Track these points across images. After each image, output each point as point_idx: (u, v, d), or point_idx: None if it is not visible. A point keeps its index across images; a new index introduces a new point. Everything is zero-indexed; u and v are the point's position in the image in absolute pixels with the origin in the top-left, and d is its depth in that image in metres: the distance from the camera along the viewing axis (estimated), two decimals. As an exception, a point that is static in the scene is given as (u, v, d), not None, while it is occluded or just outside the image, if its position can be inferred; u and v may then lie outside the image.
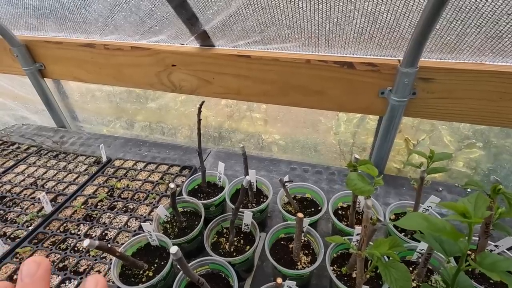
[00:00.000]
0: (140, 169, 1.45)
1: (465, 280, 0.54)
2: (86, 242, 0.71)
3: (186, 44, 1.51)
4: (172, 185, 0.87)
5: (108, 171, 1.45)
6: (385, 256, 0.78)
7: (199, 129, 1.10)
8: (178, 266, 0.65)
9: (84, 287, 0.30)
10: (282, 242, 0.97)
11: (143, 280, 0.86)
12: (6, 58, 1.85)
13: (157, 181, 1.36)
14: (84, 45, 1.64)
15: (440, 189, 1.32)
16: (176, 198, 1.07)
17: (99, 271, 0.99)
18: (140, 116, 2.20)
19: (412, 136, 1.65)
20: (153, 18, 1.36)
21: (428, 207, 0.96)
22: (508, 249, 0.85)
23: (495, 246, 0.83)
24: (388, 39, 1.16)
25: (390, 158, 1.62)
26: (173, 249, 0.61)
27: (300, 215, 0.78)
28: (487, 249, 0.84)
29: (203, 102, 1.07)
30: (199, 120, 1.08)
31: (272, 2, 1.11)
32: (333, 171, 1.48)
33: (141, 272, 0.89)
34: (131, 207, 1.23)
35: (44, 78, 1.90)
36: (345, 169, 1.50)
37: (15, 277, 1.00)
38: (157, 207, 1.07)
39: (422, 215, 0.52)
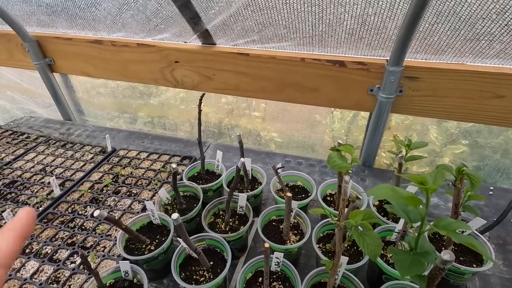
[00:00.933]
0: (143, 158, 1.54)
1: (426, 242, 0.62)
2: (97, 212, 0.80)
3: (189, 42, 1.60)
4: (173, 165, 0.96)
5: (113, 160, 1.54)
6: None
7: (199, 119, 1.19)
8: (179, 232, 0.74)
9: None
10: (273, 223, 1.06)
11: (145, 252, 0.94)
12: (17, 53, 1.95)
13: (159, 169, 1.45)
14: (93, 42, 1.73)
15: (425, 181, 1.40)
16: (177, 183, 1.16)
17: (104, 247, 1.07)
18: (143, 112, 2.30)
19: (405, 134, 1.74)
20: (158, 17, 1.46)
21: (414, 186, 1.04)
22: (478, 231, 0.94)
23: (466, 227, 0.91)
24: (377, 40, 1.25)
25: (381, 155, 1.71)
26: (175, 215, 0.70)
27: (288, 194, 0.86)
28: (458, 231, 0.93)
29: (203, 94, 1.16)
30: (200, 110, 1.17)
31: (269, 4, 1.20)
32: (325, 164, 1.56)
33: (144, 246, 0.97)
34: (135, 191, 1.32)
35: (53, 73, 2.00)
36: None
37: (27, 250, 1.08)
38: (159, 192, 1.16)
39: (390, 186, 0.61)
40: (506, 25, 1.03)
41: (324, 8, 1.17)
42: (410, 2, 1.02)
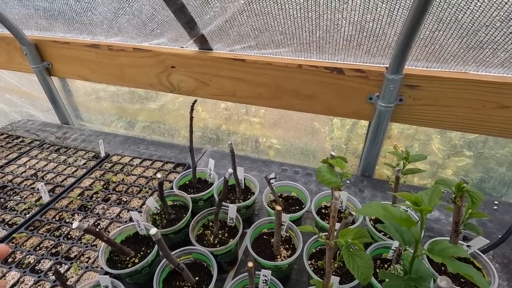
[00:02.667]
0: (136, 164, 1.50)
1: (422, 266, 0.57)
2: (75, 224, 0.76)
3: (186, 47, 1.58)
4: (159, 175, 0.92)
5: (105, 166, 1.51)
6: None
7: (191, 126, 1.15)
8: (158, 247, 0.70)
9: None
10: (264, 237, 1.01)
11: (129, 266, 0.90)
12: (16, 56, 1.94)
13: (151, 176, 1.41)
14: (90, 46, 1.72)
15: (426, 194, 1.35)
16: (167, 192, 1.13)
17: (89, 258, 1.03)
18: (141, 116, 2.27)
19: (408, 143, 1.69)
20: (154, 22, 1.44)
21: (408, 207, 0.99)
22: (481, 250, 0.88)
23: (468, 246, 0.86)
24: (376, 46, 1.21)
25: (381, 165, 1.65)
26: (153, 231, 0.66)
27: (278, 207, 0.82)
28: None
29: (195, 101, 1.13)
30: (191, 117, 1.13)
31: (265, 10, 1.17)
32: (311, 171, 1.51)
33: (128, 258, 0.93)
34: (124, 199, 1.28)
35: (51, 76, 1.99)
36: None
37: (9, 259, 1.05)
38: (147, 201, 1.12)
39: (381, 204, 0.56)
40: (511, 33, 0.98)
41: (321, 14, 1.13)
42: (409, 8, 0.98)
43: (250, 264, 0.65)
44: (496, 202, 1.28)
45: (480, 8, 0.93)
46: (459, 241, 0.84)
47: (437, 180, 0.76)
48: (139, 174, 1.43)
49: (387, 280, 0.56)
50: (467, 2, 0.93)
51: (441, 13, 1.00)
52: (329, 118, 1.84)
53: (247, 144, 2.16)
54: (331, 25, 1.17)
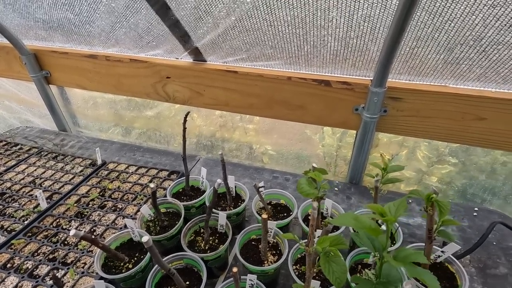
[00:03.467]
0: (132, 172, 1.55)
1: (393, 271, 0.62)
2: (72, 232, 0.81)
3: (181, 59, 1.63)
4: (151, 185, 0.98)
5: (102, 173, 1.55)
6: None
7: (184, 136, 1.21)
8: (150, 254, 0.75)
9: None
10: (253, 242, 1.06)
11: (123, 271, 0.95)
12: (15, 65, 1.99)
13: (146, 183, 1.46)
14: (88, 56, 1.77)
15: (410, 201, 1.40)
16: (160, 199, 1.18)
17: (85, 263, 1.08)
18: (138, 123, 2.32)
19: (396, 151, 1.75)
20: (150, 35, 1.50)
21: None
22: (457, 255, 0.94)
23: (442, 252, 0.92)
24: (360, 61, 1.28)
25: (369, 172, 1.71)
26: (145, 238, 0.71)
27: (264, 215, 0.87)
28: (435, 255, 0.93)
29: (188, 112, 1.18)
30: (184, 128, 1.19)
31: (255, 26, 1.23)
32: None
33: (122, 264, 0.98)
34: (120, 206, 1.33)
35: (49, 85, 2.04)
36: (324, 179, 1.59)
37: (8, 265, 1.09)
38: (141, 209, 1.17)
39: (353, 215, 0.62)
40: (483, 51, 1.05)
41: (307, 31, 1.19)
42: (389, 27, 1.04)
43: (235, 269, 0.70)
44: (476, 209, 1.34)
45: (454, 28, 1.00)
46: (434, 247, 0.90)
47: (411, 190, 0.82)
48: (135, 182, 1.48)
49: (357, 284, 0.61)
50: (442, 22, 1.00)
51: (419, 32, 1.07)
52: (320, 126, 1.90)
53: (241, 150, 2.22)
54: (317, 40, 1.23)
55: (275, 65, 1.46)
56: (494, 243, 1.19)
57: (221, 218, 1.05)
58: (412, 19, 0.99)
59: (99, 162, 1.63)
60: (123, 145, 1.92)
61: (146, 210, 1.13)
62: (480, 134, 1.26)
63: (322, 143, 1.94)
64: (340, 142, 1.83)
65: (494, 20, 0.93)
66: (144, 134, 2.33)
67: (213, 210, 1.11)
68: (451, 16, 0.97)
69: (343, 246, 0.70)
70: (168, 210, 1.21)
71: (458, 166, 1.54)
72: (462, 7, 0.93)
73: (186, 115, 1.18)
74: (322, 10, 1.09)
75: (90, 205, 1.34)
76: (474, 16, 0.94)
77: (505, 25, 0.93)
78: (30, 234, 1.21)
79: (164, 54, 1.65)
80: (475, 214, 1.33)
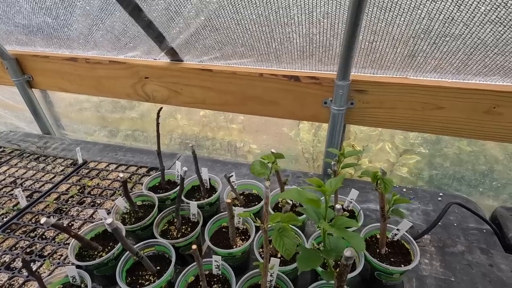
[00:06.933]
0: (112, 170, 1.59)
1: (340, 241, 0.67)
2: (43, 220, 0.85)
3: (158, 59, 1.69)
4: (121, 174, 1.02)
5: (82, 172, 1.59)
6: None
7: (158, 131, 1.26)
8: (116, 237, 0.79)
9: None
10: (223, 230, 1.11)
11: (96, 259, 0.99)
12: (-2, 70, 2.02)
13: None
14: (68, 59, 1.82)
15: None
16: (136, 193, 1.22)
17: (61, 255, 1.11)
18: (123, 125, 2.36)
19: (369, 144, 1.82)
20: (126, 36, 1.55)
21: (351, 199, 1.11)
22: (416, 235, 1.00)
23: (398, 230, 0.98)
24: (326, 56, 1.35)
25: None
26: (108, 220, 0.75)
27: (228, 200, 0.92)
28: (392, 233, 0.99)
29: (161, 108, 1.24)
30: (158, 123, 1.24)
31: (224, 25, 1.30)
32: (288, 173, 1.63)
33: (96, 253, 1.02)
34: (98, 202, 1.37)
35: (32, 89, 2.07)
36: (299, 171, 1.65)
37: (-14, 260, 1.12)
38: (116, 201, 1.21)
39: (297, 190, 0.67)
40: (434, 43, 1.12)
41: (273, 28, 1.26)
42: (346, 23, 1.11)
43: (194, 246, 0.75)
44: (441, 194, 1.41)
45: (404, 22, 1.07)
46: (388, 225, 0.96)
47: (362, 171, 0.88)
48: (114, 178, 1.52)
49: (300, 252, 0.66)
50: (392, 17, 1.07)
51: (374, 26, 1.14)
52: (297, 122, 1.96)
53: (226, 149, 2.27)
54: (283, 37, 1.30)
55: (248, 63, 1.52)
56: (455, 224, 1.26)
57: (192, 207, 1.10)
58: (366, 14, 1.06)
59: (80, 161, 1.66)
60: (106, 145, 1.95)
61: (122, 203, 1.17)
62: (440, 122, 1.33)
63: (297, 138, 2.00)
64: (315, 136, 1.90)
65: (438, 13, 1.01)
66: (130, 135, 2.37)
67: (185, 200, 1.16)
68: (399, 11, 1.04)
69: (295, 221, 0.75)
70: (144, 203, 1.26)
71: (425, 156, 1.61)
72: (408, 2, 1.00)
73: (159, 111, 1.23)
74: (283, 8, 1.15)
75: (69, 202, 1.38)
76: (419, 10, 1.02)
77: (448, 17, 1.00)
78: (9, 231, 1.24)
79: (142, 55, 1.70)
80: (439, 199, 1.39)
